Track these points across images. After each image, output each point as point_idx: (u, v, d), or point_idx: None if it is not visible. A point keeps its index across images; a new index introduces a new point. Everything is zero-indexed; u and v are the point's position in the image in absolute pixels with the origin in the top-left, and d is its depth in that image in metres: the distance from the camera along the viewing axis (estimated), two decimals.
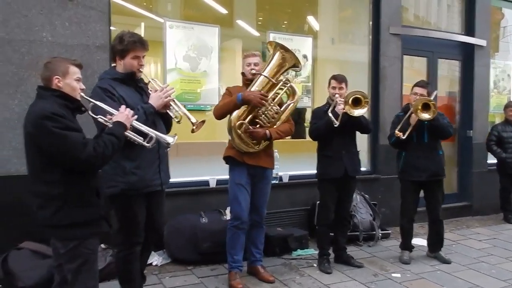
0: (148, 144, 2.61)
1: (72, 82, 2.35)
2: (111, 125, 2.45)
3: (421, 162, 4.28)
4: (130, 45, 2.84)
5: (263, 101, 3.51)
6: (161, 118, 2.99)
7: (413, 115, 4.17)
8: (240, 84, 3.84)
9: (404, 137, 4.18)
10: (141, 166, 2.87)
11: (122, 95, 2.81)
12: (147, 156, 2.88)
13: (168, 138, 2.73)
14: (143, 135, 2.62)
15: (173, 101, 2.95)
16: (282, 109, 3.68)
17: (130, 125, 2.52)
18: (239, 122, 3.52)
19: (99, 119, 2.50)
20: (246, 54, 3.78)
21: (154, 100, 2.86)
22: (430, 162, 4.31)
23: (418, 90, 4.33)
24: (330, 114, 3.89)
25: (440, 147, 4.48)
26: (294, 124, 3.88)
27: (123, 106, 2.55)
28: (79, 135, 2.27)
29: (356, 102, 3.90)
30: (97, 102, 2.52)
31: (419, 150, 4.29)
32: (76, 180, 2.30)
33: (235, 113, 3.54)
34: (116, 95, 2.79)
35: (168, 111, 2.96)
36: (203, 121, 3.01)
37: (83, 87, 2.43)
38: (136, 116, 2.58)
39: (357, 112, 3.89)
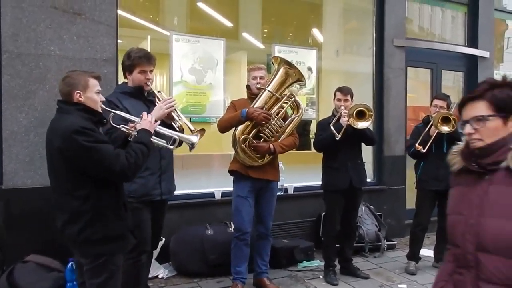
0: (172, 147, 2.62)
1: (93, 95, 2.33)
2: (135, 133, 2.44)
3: (440, 172, 4.28)
4: (136, 60, 2.97)
5: (266, 119, 3.55)
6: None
7: (432, 127, 4.23)
8: (245, 96, 3.88)
9: (424, 151, 4.26)
10: (142, 175, 2.93)
11: (127, 107, 2.90)
12: (148, 166, 2.94)
13: (192, 138, 2.74)
14: (167, 138, 2.63)
15: (175, 111, 3.01)
16: (286, 123, 3.71)
17: (154, 130, 2.52)
18: (243, 136, 3.56)
19: (122, 128, 2.49)
20: (252, 67, 3.81)
21: (156, 111, 2.92)
22: (449, 172, 4.31)
23: (438, 102, 4.40)
24: (332, 127, 3.93)
25: None
26: (299, 136, 3.91)
27: (144, 113, 2.55)
28: (110, 147, 2.25)
29: (360, 115, 3.92)
30: (118, 112, 2.55)
31: (439, 160, 4.29)
32: (105, 195, 2.26)
33: (240, 128, 3.58)
34: (120, 106, 2.88)
35: (173, 122, 3.02)
36: (203, 130, 3.05)
37: (103, 99, 2.43)
38: (159, 122, 2.61)
39: (361, 124, 3.91)
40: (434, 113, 4.33)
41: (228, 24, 5.65)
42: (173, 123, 3.02)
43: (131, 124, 2.51)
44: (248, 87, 3.83)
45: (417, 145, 4.30)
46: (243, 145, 3.56)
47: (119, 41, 4.19)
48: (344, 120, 3.91)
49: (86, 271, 2.30)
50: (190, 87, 4.65)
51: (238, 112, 3.57)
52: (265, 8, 6.18)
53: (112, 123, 2.48)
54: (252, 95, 3.75)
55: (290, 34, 6.54)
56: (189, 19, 5.58)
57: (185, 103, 4.57)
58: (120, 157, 2.22)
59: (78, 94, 2.28)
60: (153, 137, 2.51)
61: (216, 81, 4.78)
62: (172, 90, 4.54)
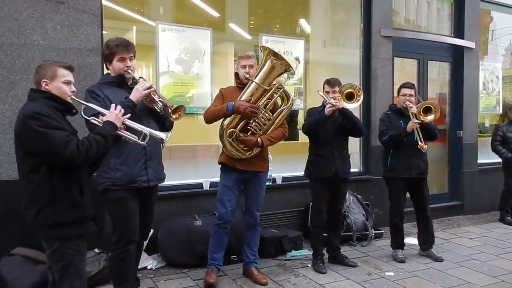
0: (142, 142, 2.63)
1: (60, 85, 2.39)
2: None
3: (412, 160, 4.36)
4: (114, 48, 2.99)
5: (253, 113, 3.51)
6: (153, 118, 3.06)
7: (409, 124, 4.26)
8: (233, 83, 3.85)
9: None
10: (126, 162, 2.94)
11: (108, 95, 2.91)
12: (132, 153, 2.95)
13: (161, 134, 2.77)
14: (137, 133, 2.64)
15: (155, 92, 3.01)
16: (275, 114, 3.67)
17: (123, 124, 2.54)
18: (229, 130, 3.54)
19: (92, 120, 2.55)
20: (241, 55, 3.76)
21: (133, 94, 2.92)
22: (419, 160, 4.42)
23: (407, 91, 4.47)
24: (320, 94, 4.09)
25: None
26: (287, 127, 3.89)
27: (113, 105, 2.57)
28: (62, 133, 2.27)
29: (350, 97, 4.05)
30: (89, 104, 2.58)
31: (410, 149, 4.35)
32: (59, 180, 2.30)
33: (226, 120, 3.55)
34: (101, 95, 2.89)
35: (154, 105, 3.01)
36: (180, 106, 3.09)
37: (74, 89, 2.44)
38: (129, 115, 2.60)
39: (350, 105, 4.03)
40: (403, 102, 4.40)
41: (215, 14, 5.60)
42: (155, 106, 3.02)
43: (101, 117, 2.54)
44: (236, 74, 3.79)
45: (420, 143, 4.26)
46: (230, 139, 3.54)
47: (104, 32, 4.12)
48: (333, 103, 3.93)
49: (48, 256, 2.38)
50: (177, 78, 4.61)
51: (224, 106, 3.53)
52: None
53: (83, 115, 2.55)
54: (240, 84, 3.72)
55: (278, 25, 6.51)
56: (175, 10, 5.52)
57: (172, 94, 4.53)
58: (70, 143, 2.25)
59: (44, 83, 2.37)
60: (125, 131, 2.56)
61: (203, 71, 4.75)
62: (158, 80, 4.50)
